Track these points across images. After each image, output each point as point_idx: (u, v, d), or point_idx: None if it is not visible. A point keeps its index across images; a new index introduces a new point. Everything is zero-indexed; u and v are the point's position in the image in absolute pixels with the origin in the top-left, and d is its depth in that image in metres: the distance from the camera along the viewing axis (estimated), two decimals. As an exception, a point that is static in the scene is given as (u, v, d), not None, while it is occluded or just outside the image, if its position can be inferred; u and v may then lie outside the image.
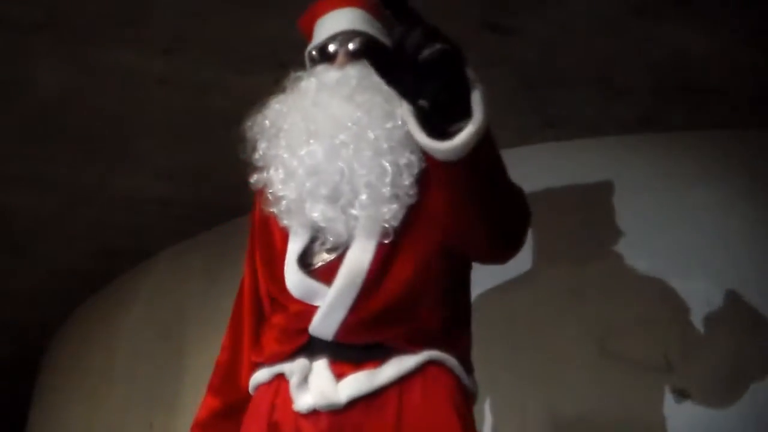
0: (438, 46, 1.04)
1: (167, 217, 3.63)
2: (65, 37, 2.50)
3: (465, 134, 1.10)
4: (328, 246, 1.39)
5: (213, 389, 1.54)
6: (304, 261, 1.41)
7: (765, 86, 2.67)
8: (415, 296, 1.36)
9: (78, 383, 4.30)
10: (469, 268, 1.48)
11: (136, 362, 3.84)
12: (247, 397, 1.45)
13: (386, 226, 1.35)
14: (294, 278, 1.39)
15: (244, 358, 1.50)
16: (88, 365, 4.26)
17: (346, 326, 1.33)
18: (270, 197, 1.43)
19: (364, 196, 1.35)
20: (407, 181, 1.35)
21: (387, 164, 1.36)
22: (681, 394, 2.54)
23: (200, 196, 3.38)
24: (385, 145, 1.37)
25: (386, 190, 1.35)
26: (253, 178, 1.48)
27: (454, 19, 2.31)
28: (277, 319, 1.43)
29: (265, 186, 1.45)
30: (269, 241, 1.50)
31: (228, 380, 1.52)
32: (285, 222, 1.41)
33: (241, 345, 1.53)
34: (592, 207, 2.85)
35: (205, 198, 3.35)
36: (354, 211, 1.36)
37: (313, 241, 1.42)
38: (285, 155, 1.42)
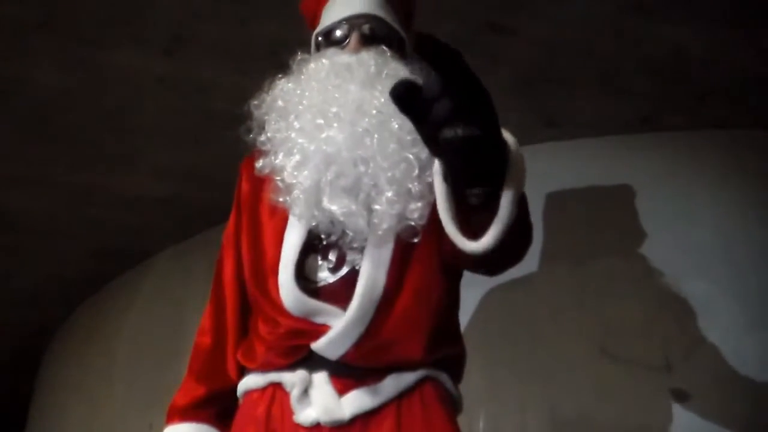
0: (460, 132, 0.90)
1: (167, 217, 3.63)
2: (65, 37, 2.50)
3: (489, 239, 1.02)
4: (330, 262, 1.32)
5: (196, 375, 1.46)
6: (301, 272, 1.33)
7: (765, 86, 2.68)
8: (424, 312, 1.31)
9: (78, 383, 4.30)
10: (459, 280, 1.43)
11: (136, 362, 3.83)
12: (233, 387, 1.40)
13: (413, 224, 1.28)
14: (293, 298, 1.31)
15: (229, 345, 1.44)
16: (88, 365, 4.25)
17: (355, 350, 1.28)
18: (280, 185, 1.34)
19: (390, 193, 1.27)
20: (431, 178, 1.22)
21: (412, 157, 1.28)
22: (681, 394, 2.53)
23: (200, 196, 3.37)
24: (409, 137, 1.28)
25: (413, 186, 1.27)
26: (259, 163, 1.37)
27: (454, 19, 2.32)
28: (268, 333, 1.35)
29: (273, 172, 1.35)
30: (258, 234, 1.41)
31: (213, 367, 1.44)
32: (296, 213, 1.32)
33: (224, 332, 1.45)
34: (592, 207, 2.84)
35: (205, 198, 3.35)
36: (378, 207, 1.27)
37: (312, 243, 1.34)
38: (300, 140, 1.32)
